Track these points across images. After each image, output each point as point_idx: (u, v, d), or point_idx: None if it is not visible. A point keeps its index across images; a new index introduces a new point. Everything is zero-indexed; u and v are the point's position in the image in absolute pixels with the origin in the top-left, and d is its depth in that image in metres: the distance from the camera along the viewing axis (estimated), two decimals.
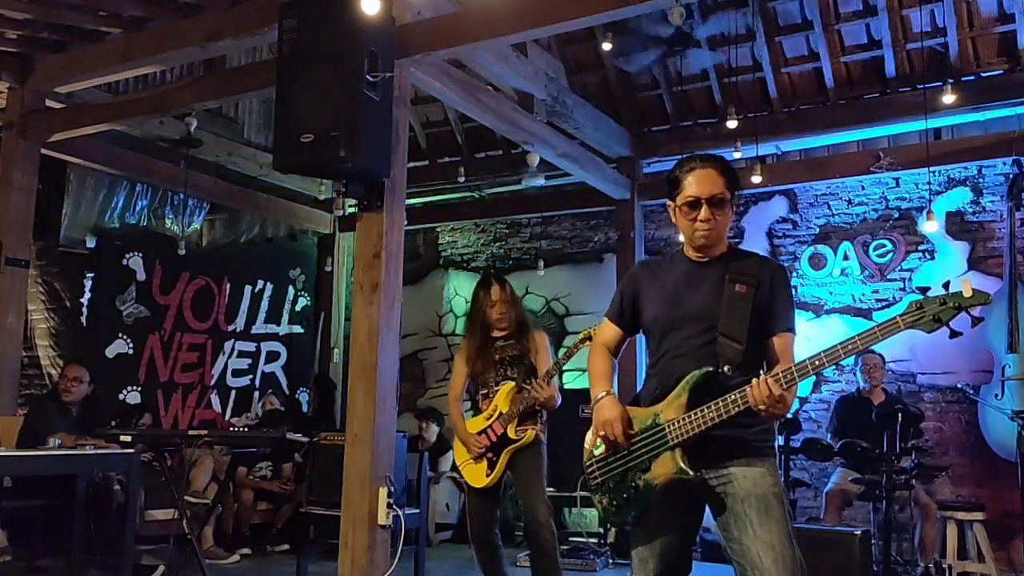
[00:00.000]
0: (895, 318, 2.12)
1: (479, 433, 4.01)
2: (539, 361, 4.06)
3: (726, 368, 2.29)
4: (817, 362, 2.16)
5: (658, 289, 2.51)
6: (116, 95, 6.45)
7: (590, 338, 3.70)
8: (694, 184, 2.40)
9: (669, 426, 2.31)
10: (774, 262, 2.56)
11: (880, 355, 5.91)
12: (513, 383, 4.01)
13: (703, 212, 2.38)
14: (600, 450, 2.45)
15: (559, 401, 3.98)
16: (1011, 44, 6.15)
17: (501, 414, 3.97)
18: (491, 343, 4.10)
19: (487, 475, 3.94)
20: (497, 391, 4.02)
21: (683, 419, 2.28)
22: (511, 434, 3.93)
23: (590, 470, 2.49)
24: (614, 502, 2.41)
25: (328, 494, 4.45)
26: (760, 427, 2.33)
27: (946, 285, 2.09)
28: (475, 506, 4.04)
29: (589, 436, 2.52)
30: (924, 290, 2.12)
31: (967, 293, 2.05)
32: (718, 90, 7.01)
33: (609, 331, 2.65)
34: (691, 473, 2.26)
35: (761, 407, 2.17)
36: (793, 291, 2.55)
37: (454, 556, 6.56)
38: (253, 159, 7.81)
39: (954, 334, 2.08)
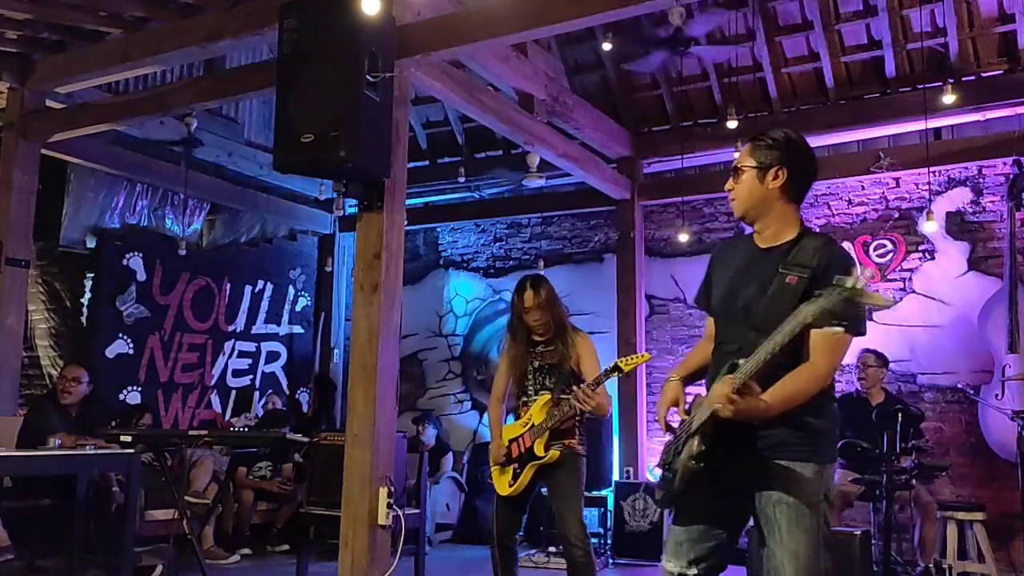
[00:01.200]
0: (804, 309, 2.00)
1: (512, 440, 3.90)
2: (584, 366, 3.87)
3: (743, 360, 2.15)
4: (752, 366, 2.08)
5: (723, 276, 2.47)
6: (116, 95, 6.45)
7: (617, 368, 3.66)
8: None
9: (696, 415, 2.27)
10: (840, 250, 2.34)
11: (879, 355, 5.89)
12: (549, 394, 3.85)
13: (728, 183, 2.47)
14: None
15: (611, 409, 3.82)
16: (1011, 44, 6.15)
17: (533, 426, 3.84)
18: (532, 347, 3.96)
19: (510, 485, 3.86)
20: (535, 400, 3.89)
21: (702, 407, 2.24)
22: (537, 450, 3.78)
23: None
24: (662, 480, 2.42)
25: (328, 494, 4.44)
26: (804, 432, 2.24)
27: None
28: (500, 510, 3.94)
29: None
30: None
31: (850, 283, 1.89)
32: (718, 90, 7.01)
33: (707, 323, 2.59)
34: (697, 463, 2.18)
35: (721, 409, 2.10)
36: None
37: (454, 556, 6.56)
38: (253, 159, 7.82)
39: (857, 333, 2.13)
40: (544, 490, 4.04)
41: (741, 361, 2.14)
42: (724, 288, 2.43)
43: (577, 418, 3.85)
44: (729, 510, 2.37)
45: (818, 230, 6.82)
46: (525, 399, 3.97)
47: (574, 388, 3.73)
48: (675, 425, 2.41)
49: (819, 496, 2.23)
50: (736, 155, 2.48)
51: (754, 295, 2.31)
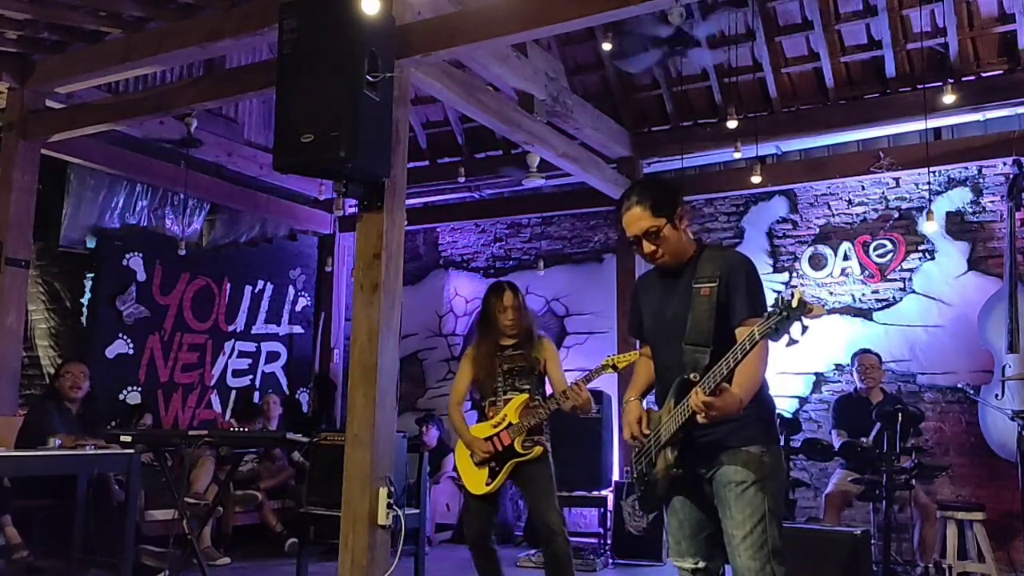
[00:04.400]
0: (753, 329, 2.27)
1: (487, 439, 3.99)
2: (551, 370, 4.08)
3: (692, 375, 2.45)
4: (724, 367, 2.32)
5: (649, 303, 2.76)
6: (116, 95, 6.45)
7: (613, 367, 3.85)
8: (626, 226, 2.65)
9: (662, 428, 2.56)
10: (735, 254, 2.68)
11: (876, 355, 5.91)
12: (526, 395, 4.01)
13: (645, 246, 2.63)
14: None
15: (594, 405, 4.06)
16: (1011, 44, 6.15)
17: (510, 424, 3.96)
18: (500, 351, 4.10)
19: (487, 483, 3.94)
20: (508, 400, 4.02)
21: (666, 421, 2.53)
22: (518, 447, 3.93)
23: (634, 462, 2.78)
24: (641, 488, 2.70)
25: (328, 494, 4.44)
26: (742, 422, 2.48)
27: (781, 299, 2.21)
28: (473, 511, 4.05)
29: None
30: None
31: (795, 304, 2.17)
32: (718, 90, 7.01)
33: (643, 346, 2.89)
34: (677, 469, 2.51)
35: (700, 415, 2.34)
36: (756, 279, 2.59)
37: (454, 556, 6.55)
38: (253, 159, 7.82)
39: (791, 342, 2.25)
40: (514, 490, 4.12)
41: (693, 376, 2.40)
42: (653, 313, 2.73)
43: (579, 413, 3.99)
44: (705, 501, 2.60)
45: (817, 231, 6.91)
46: (493, 399, 4.07)
47: (570, 385, 3.89)
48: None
49: (762, 474, 2.48)
50: (637, 224, 2.60)
51: (677, 312, 2.60)
